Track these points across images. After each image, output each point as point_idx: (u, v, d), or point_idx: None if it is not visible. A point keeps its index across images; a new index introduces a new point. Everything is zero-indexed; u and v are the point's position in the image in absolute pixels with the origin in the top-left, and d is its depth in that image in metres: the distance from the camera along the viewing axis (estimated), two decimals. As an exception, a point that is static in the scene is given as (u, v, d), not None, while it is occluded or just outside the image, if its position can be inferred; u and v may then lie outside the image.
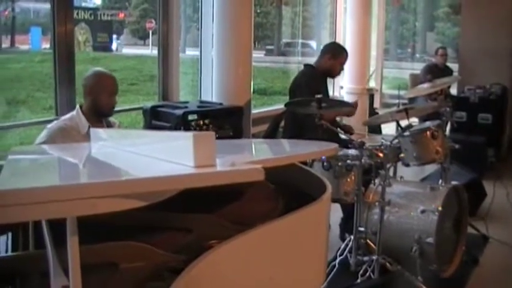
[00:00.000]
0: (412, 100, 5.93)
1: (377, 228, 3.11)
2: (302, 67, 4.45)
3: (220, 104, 4.39)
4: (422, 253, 3.07)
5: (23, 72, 7.71)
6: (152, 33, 10.03)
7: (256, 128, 4.90)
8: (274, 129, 4.50)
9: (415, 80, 7.06)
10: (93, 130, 2.37)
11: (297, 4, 9.10)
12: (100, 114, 2.97)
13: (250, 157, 2.00)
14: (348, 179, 3.13)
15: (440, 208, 3.15)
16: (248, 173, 1.29)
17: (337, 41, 7.12)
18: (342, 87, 7.12)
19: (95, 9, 8.97)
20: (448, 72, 6.92)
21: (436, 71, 6.54)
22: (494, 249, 3.93)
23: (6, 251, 2.20)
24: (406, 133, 3.34)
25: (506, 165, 6.14)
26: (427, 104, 4.95)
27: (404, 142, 3.41)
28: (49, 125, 2.92)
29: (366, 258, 3.11)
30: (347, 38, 6.87)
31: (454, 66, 7.55)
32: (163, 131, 3.75)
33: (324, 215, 1.78)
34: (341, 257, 3.19)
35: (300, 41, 9.29)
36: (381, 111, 6.45)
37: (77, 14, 7.60)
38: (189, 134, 1.31)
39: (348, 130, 4.14)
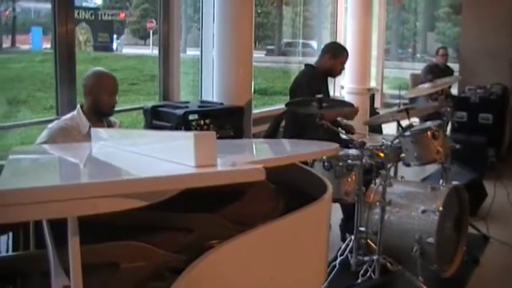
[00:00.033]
0: (412, 100, 5.94)
1: (378, 228, 3.11)
2: (303, 67, 4.45)
3: (221, 104, 4.40)
4: (423, 253, 3.07)
5: (23, 72, 7.70)
6: (153, 33, 10.01)
7: (256, 128, 4.91)
8: (275, 129, 4.50)
9: (416, 80, 7.05)
10: (93, 130, 2.38)
11: (298, 4, 9.09)
12: (100, 114, 2.97)
13: (251, 157, 2.00)
14: (349, 179, 3.13)
15: (441, 208, 3.15)
16: (249, 173, 1.29)
17: (338, 40, 7.12)
18: (342, 87, 7.13)
19: (95, 9, 8.95)
20: (448, 72, 6.91)
21: (436, 71, 6.54)
22: (495, 249, 3.93)
23: (7, 251, 2.20)
24: (407, 133, 3.34)
25: (507, 165, 6.14)
26: (428, 104, 4.95)
27: (405, 142, 3.41)
28: (50, 125, 2.92)
29: (366, 258, 3.11)
30: (348, 38, 6.86)
31: (454, 66, 7.54)
32: (164, 130, 3.75)
33: (325, 215, 1.78)
34: (342, 257, 3.19)
35: (301, 41, 9.28)
36: (382, 111, 6.46)
37: (78, 13, 7.58)
38: (190, 134, 1.31)
39: (348, 130, 4.15)
